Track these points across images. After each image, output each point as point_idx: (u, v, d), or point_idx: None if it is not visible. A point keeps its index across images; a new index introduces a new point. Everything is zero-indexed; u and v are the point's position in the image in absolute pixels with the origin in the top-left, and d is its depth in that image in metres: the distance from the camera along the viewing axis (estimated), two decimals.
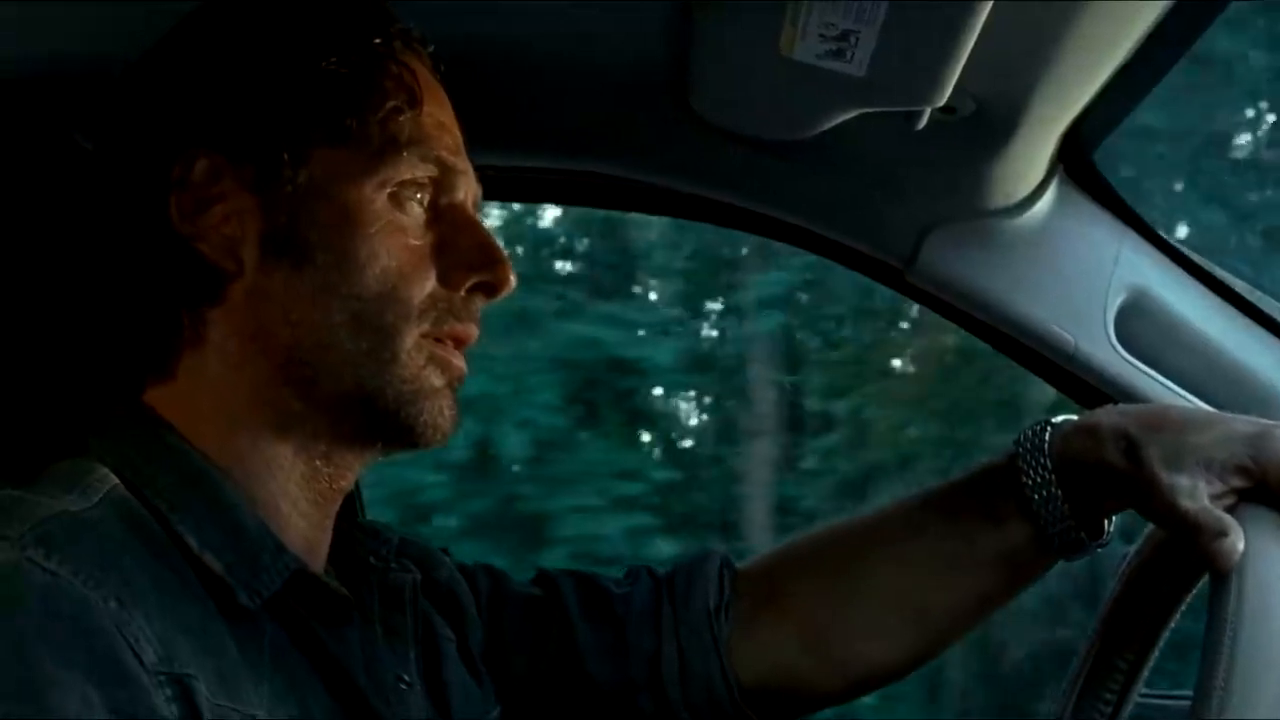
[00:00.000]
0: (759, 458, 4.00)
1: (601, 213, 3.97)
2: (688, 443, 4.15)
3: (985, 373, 3.78)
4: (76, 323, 0.89)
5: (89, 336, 0.86)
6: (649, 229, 4.11)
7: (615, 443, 3.82)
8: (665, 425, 4.09)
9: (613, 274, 4.13)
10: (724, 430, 4.23)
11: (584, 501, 3.56)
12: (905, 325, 4.15)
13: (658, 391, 3.99)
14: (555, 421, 3.75)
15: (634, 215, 3.83)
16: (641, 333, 3.85)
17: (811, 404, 4.12)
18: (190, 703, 0.69)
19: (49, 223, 0.98)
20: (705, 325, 4.14)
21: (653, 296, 4.12)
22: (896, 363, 4.18)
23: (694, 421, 4.17)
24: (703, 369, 4.10)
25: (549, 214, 4.11)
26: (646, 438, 3.97)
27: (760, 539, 3.74)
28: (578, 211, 4.08)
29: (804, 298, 4.12)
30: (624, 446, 3.84)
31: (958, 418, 3.86)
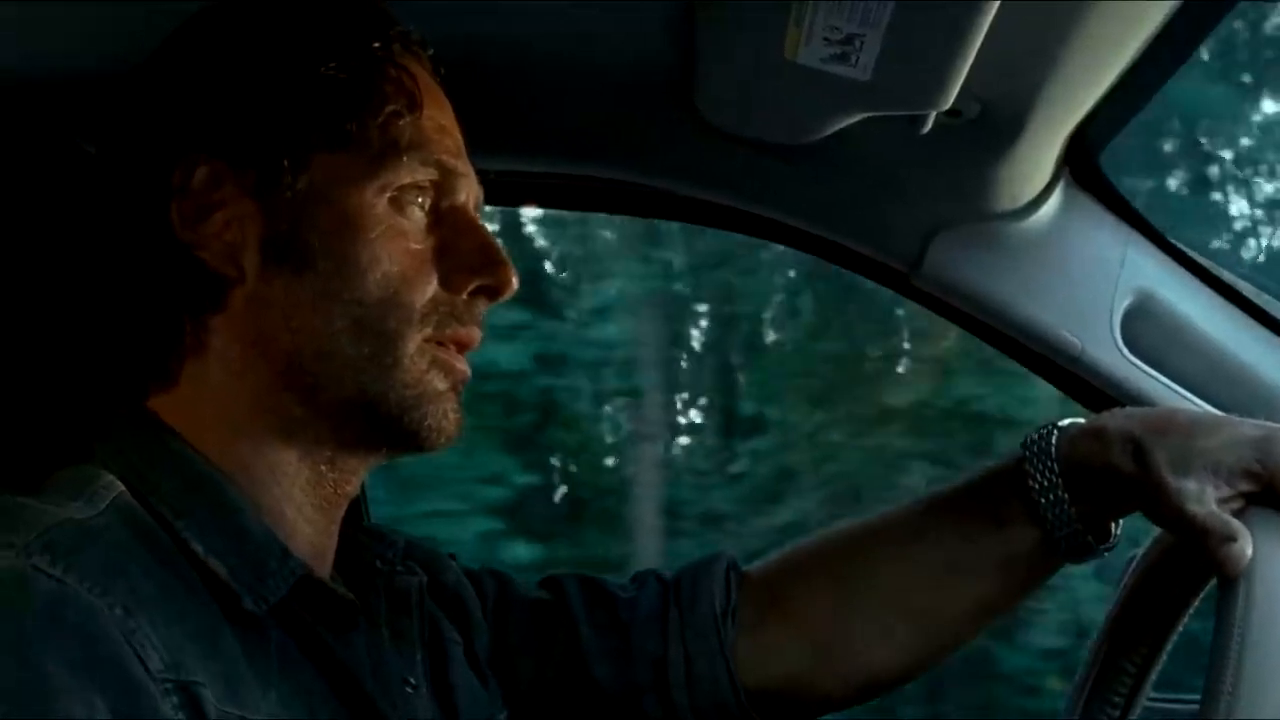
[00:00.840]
0: (645, 461, 3.97)
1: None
2: (558, 447, 4.10)
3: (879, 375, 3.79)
4: (80, 329, 0.89)
5: (92, 343, 0.86)
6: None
7: (479, 447, 3.79)
8: (533, 430, 4.04)
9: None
10: (599, 434, 4.19)
11: (442, 506, 3.54)
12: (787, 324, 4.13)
13: (525, 395, 3.95)
14: None
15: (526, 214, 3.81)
16: (504, 334, 3.81)
17: (693, 406, 4.10)
18: (197, 709, 0.69)
19: (52, 227, 0.98)
20: (573, 327, 4.09)
21: (526, 298, 4.07)
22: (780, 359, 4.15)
23: (568, 426, 4.12)
24: (569, 371, 4.06)
25: None
26: (511, 443, 3.92)
27: (645, 542, 3.69)
28: None
29: (675, 295, 4.11)
30: (487, 451, 3.81)
31: (859, 421, 3.83)
